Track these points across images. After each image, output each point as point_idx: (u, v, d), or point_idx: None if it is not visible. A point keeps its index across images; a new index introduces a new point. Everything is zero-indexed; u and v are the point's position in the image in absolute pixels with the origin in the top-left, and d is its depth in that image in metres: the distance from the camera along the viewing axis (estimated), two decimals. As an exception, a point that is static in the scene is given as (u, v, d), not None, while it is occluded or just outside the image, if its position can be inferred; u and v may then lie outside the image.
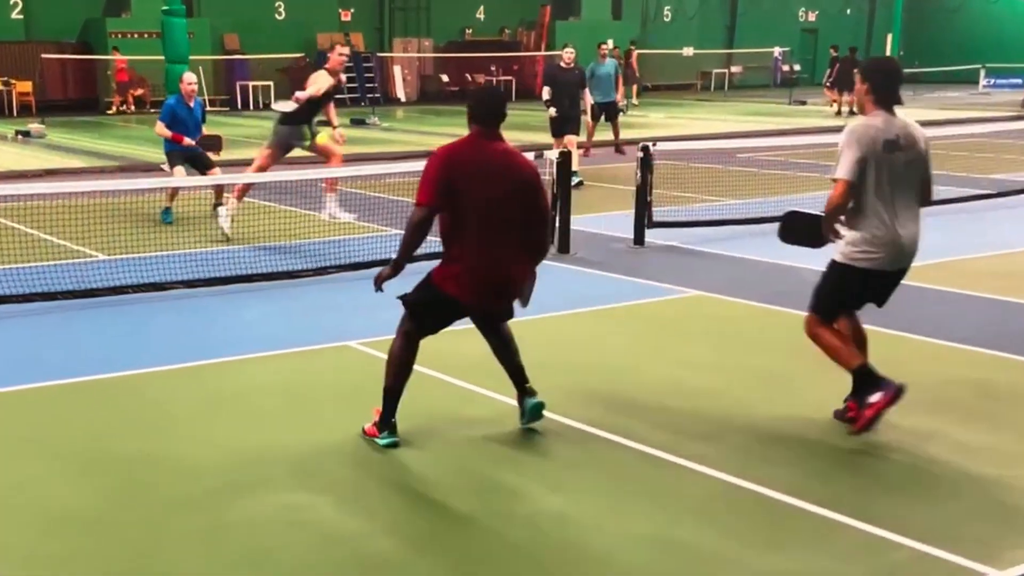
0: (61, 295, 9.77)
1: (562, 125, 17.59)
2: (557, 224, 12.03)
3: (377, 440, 6.44)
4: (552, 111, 17.49)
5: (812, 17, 53.91)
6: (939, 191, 16.23)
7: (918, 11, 53.33)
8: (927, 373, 7.87)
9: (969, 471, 6.06)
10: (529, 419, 6.69)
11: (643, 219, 12.66)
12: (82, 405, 7.21)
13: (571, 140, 17.41)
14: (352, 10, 40.80)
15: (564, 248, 12.04)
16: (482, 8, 43.82)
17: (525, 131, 25.33)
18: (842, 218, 6.63)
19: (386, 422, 6.48)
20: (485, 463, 6.19)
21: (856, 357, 6.58)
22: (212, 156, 14.08)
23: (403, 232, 6.47)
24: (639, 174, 12.60)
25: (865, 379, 6.46)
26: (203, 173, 13.75)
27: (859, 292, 6.73)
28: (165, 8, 19.53)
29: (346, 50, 14.29)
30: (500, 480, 5.94)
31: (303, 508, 5.57)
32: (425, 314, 6.72)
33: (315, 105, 13.53)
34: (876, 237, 6.55)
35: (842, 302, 6.78)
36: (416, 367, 7.86)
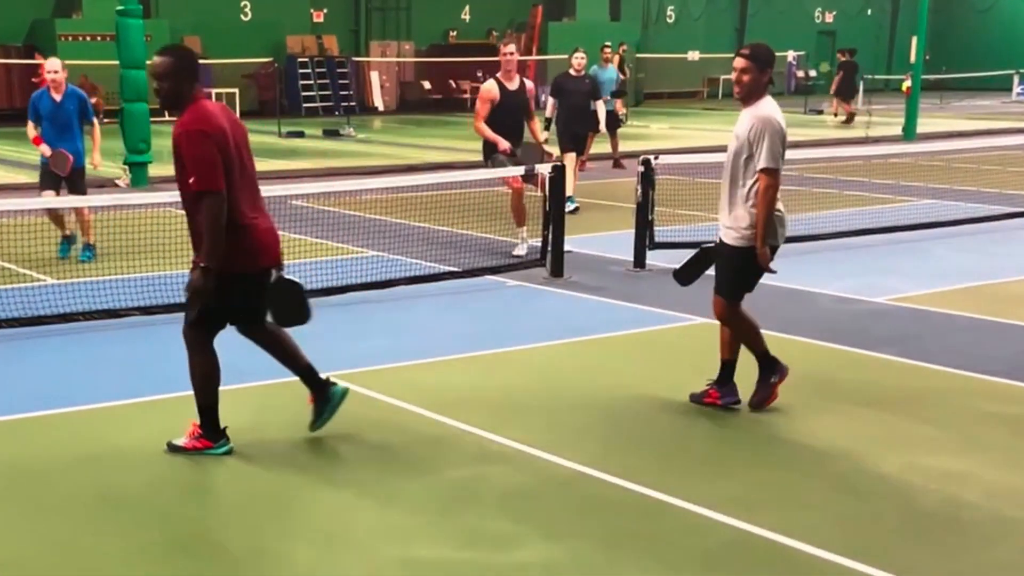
0: (6, 323, 9.75)
1: (570, 140, 16.95)
2: (549, 246, 12.06)
3: (212, 451, 6.81)
4: (545, 135, 15.90)
5: (829, 18, 54.18)
6: (969, 208, 16.42)
7: (946, 12, 53.62)
8: (957, 409, 7.88)
9: (1004, 516, 6.06)
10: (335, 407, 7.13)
11: (644, 239, 12.67)
12: (27, 444, 7.17)
13: (571, 158, 16.69)
14: (325, 10, 40.92)
15: (557, 271, 12.05)
16: (467, 8, 43.96)
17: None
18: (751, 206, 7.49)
19: (216, 431, 6.86)
20: (470, 507, 6.18)
21: (763, 341, 7.78)
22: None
23: (209, 231, 6.57)
24: (640, 190, 12.62)
25: (770, 362, 7.77)
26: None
27: (759, 272, 7.67)
28: (119, 8, 19.45)
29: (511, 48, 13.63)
30: (486, 526, 5.93)
31: (271, 554, 5.55)
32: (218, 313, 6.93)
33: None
34: (779, 215, 7.58)
35: (750, 284, 7.74)
36: (389, 400, 7.90)
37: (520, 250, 13.15)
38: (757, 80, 7.50)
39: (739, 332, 7.82)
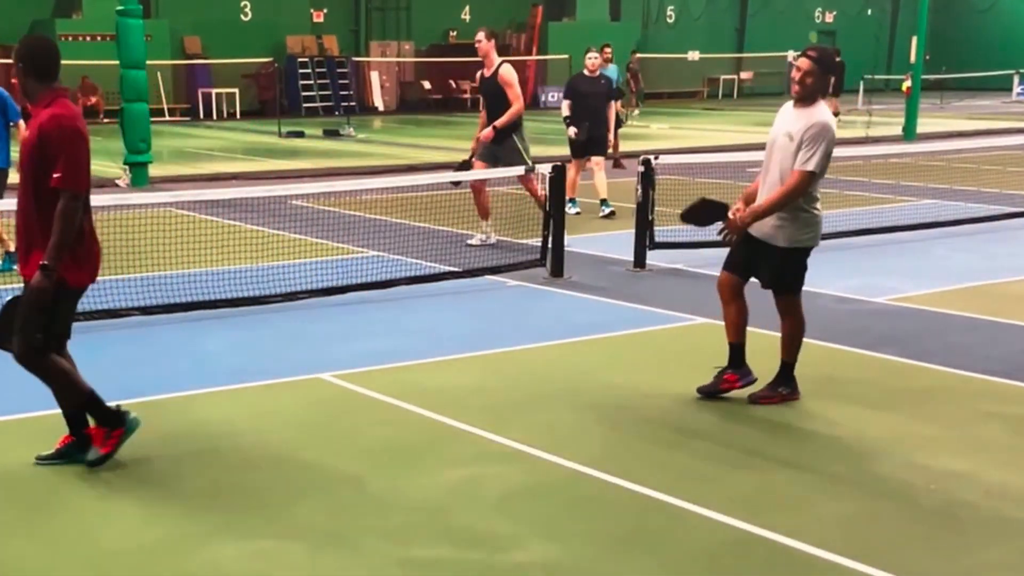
0: (3, 323, 9.73)
1: (585, 146, 16.53)
2: (550, 245, 12.07)
3: (129, 431, 6.72)
4: (572, 131, 16.34)
5: (829, 18, 54.17)
6: (969, 208, 16.43)
7: (945, 11, 53.57)
8: (957, 408, 7.89)
9: (1005, 516, 6.06)
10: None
11: (644, 239, 12.67)
12: (25, 444, 7.16)
13: (599, 162, 16.60)
14: (325, 10, 40.93)
15: (557, 271, 12.05)
16: (468, 8, 43.97)
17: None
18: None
19: (113, 415, 6.71)
20: (469, 507, 6.18)
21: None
22: None
23: (62, 232, 6.30)
24: (640, 190, 12.62)
25: (791, 376, 7.98)
26: None
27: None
28: (119, 8, 19.43)
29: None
30: (485, 527, 5.93)
31: (271, 555, 5.56)
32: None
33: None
34: (817, 215, 7.75)
35: (803, 279, 7.95)
36: (389, 400, 7.91)
37: (474, 240, 13.71)
38: (820, 82, 7.58)
39: (795, 326, 7.95)
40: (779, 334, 8.03)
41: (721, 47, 49.21)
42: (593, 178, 16.45)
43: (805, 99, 7.58)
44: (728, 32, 50.96)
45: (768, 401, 7.87)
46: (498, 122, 13.51)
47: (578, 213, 16.37)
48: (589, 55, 17.01)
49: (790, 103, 7.75)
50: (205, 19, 37.44)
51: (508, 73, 13.72)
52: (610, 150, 18.85)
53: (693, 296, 11.27)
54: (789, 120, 7.66)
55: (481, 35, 13.94)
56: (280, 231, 14.55)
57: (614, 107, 17.83)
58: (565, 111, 16.65)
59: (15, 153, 9.67)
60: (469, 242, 13.70)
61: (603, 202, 16.25)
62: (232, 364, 8.99)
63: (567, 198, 15.01)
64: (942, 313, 10.56)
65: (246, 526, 5.92)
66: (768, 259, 7.78)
